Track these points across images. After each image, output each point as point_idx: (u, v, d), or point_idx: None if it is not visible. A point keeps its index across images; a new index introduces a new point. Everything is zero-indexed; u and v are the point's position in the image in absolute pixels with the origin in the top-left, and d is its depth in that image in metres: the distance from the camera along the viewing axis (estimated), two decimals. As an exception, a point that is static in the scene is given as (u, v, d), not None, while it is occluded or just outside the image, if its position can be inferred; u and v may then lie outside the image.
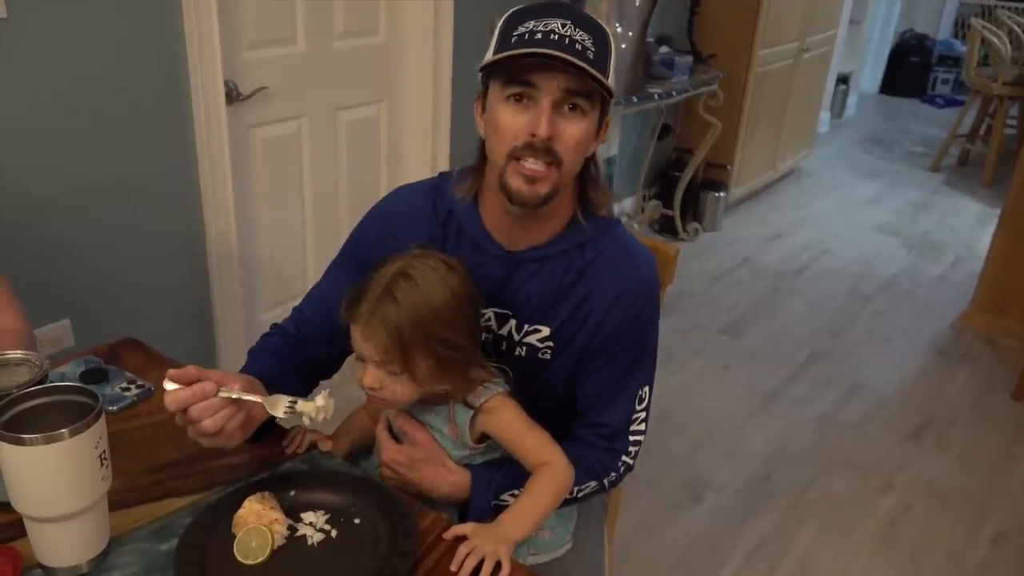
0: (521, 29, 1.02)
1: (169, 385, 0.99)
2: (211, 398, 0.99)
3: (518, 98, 1.03)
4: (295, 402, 1.03)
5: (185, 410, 0.99)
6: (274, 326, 1.30)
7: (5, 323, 1.29)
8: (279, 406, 1.04)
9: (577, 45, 1.00)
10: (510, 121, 1.04)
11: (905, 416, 2.87)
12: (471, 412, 1.11)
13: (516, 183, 1.06)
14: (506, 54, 1.01)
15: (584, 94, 1.03)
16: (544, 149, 1.03)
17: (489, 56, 1.05)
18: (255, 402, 1.03)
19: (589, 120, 1.05)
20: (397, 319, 1.01)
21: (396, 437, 1.20)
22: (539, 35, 1.00)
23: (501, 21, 1.06)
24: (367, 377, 1.06)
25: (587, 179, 1.15)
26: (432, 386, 1.07)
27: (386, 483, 1.15)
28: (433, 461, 1.15)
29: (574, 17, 1.03)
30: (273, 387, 1.10)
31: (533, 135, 1.02)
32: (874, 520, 2.35)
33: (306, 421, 1.04)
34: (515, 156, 1.04)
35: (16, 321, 1.30)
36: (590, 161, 1.14)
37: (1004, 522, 2.37)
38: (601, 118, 1.09)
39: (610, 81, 1.04)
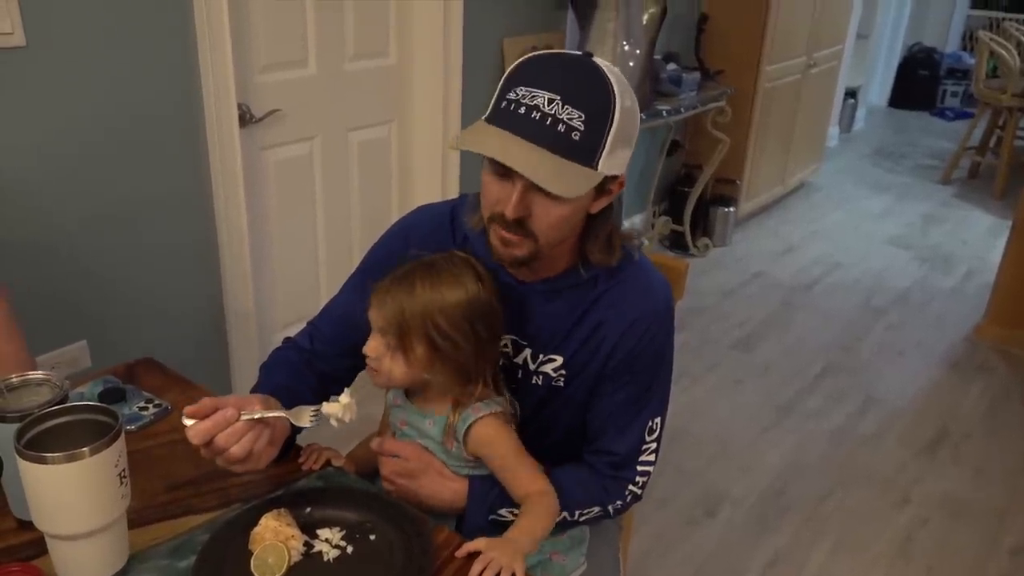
0: (511, 95, 0.98)
1: (188, 421, 0.99)
2: (234, 424, 0.99)
3: (498, 168, 1.01)
4: (319, 409, 1.05)
5: (210, 442, 0.99)
6: (287, 340, 1.31)
7: (8, 352, 1.30)
8: (303, 416, 1.05)
9: (560, 127, 0.95)
10: (489, 189, 1.04)
11: (920, 429, 2.85)
12: (467, 425, 1.11)
13: (494, 241, 1.07)
14: (472, 146, 0.99)
15: None
16: (516, 224, 1.02)
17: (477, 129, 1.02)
18: (278, 418, 1.04)
19: (572, 199, 1.01)
20: (405, 301, 1.05)
21: None
22: (522, 109, 0.96)
23: (508, 70, 1.02)
24: (369, 343, 1.10)
25: (587, 237, 1.11)
26: (422, 372, 1.10)
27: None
28: (428, 470, 1.15)
29: (570, 87, 0.97)
30: (287, 401, 1.10)
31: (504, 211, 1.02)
32: (890, 534, 2.33)
33: (334, 423, 1.05)
34: (493, 220, 1.05)
35: (21, 350, 1.31)
36: (596, 218, 1.10)
37: (1023, 535, 2.35)
38: (604, 183, 1.04)
39: (603, 156, 0.99)
